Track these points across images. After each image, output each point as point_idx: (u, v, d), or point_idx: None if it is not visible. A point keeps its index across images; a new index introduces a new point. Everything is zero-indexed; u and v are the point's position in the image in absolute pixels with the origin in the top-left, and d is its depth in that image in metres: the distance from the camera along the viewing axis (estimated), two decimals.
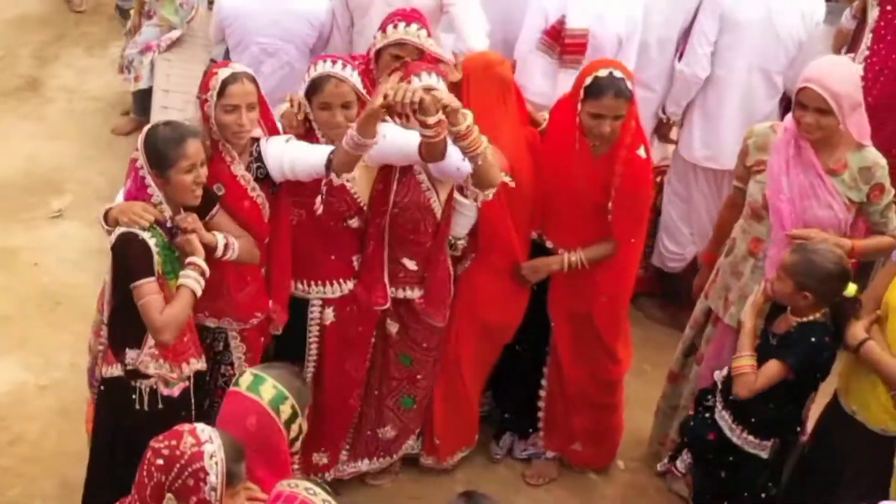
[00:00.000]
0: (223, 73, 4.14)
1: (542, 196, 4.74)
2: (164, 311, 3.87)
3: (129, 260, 3.88)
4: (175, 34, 6.82)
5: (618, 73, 4.45)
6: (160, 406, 4.04)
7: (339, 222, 4.42)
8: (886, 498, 4.04)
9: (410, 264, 4.58)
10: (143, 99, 7.05)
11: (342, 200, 4.35)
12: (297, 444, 3.25)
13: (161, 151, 3.88)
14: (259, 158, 4.24)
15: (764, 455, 4.47)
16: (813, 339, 4.23)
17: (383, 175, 4.40)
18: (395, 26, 4.62)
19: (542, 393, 5.14)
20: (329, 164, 4.10)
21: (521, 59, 5.45)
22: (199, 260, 3.93)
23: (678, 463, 4.82)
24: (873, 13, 5.62)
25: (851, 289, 4.21)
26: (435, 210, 4.49)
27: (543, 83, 5.35)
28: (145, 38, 6.85)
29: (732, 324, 4.71)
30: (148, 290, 3.85)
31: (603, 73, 4.46)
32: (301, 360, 4.62)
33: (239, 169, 4.20)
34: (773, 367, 4.29)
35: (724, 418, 4.50)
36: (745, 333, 4.39)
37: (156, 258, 3.86)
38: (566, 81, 5.22)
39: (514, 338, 4.99)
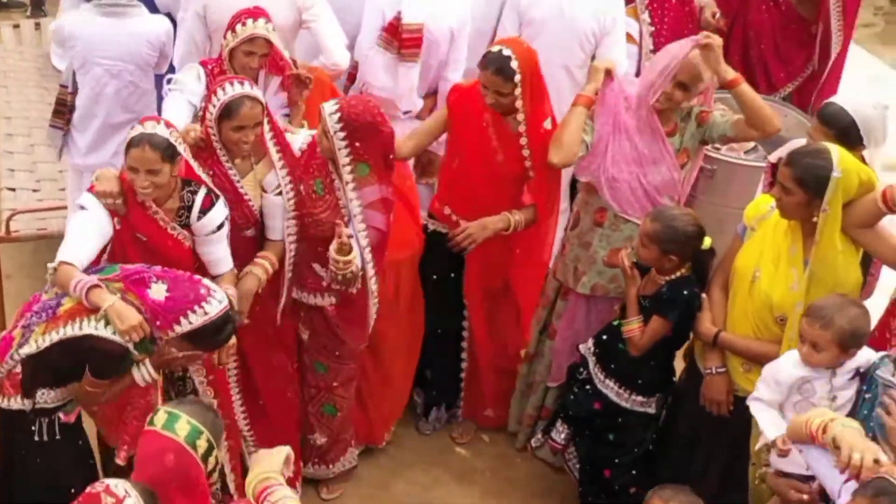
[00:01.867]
0: (131, 133, 4.15)
1: (455, 175, 4.93)
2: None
3: (96, 359, 3.87)
4: None
5: (506, 52, 4.57)
6: (58, 437, 4.03)
7: (238, 233, 4.48)
8: (746, 453, 4.27)
9: (320, 270, 4.62)
10: None
11: (241, 214, 4.46)
12: (215, 476, 3.29)
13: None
14: (188, 209, 4.25)
15: (652, 411, 4.71)
16: (685, 293, 4.46)
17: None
18: (244, 24, 4.73)
19: (464, 365, 5.39)
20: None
21: (363, 57, 5.52)
22: None
23: (554, 435, 5.02)
24: None
25: (707, 242, 4.48)
26: None
27: (385, 78, 5.43)
28: None
29: (585, 292, 4.94)
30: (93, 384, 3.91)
31: (495, 48, 4.64)
32: None
33: (158, 214, 4.21)
34: (654, 324, 4.52)
35: (609, 387, 4.70)
36: (629, 302, 4.57)
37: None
38: (406, 75, 5.44)
39: (435, 325, 5.24)
